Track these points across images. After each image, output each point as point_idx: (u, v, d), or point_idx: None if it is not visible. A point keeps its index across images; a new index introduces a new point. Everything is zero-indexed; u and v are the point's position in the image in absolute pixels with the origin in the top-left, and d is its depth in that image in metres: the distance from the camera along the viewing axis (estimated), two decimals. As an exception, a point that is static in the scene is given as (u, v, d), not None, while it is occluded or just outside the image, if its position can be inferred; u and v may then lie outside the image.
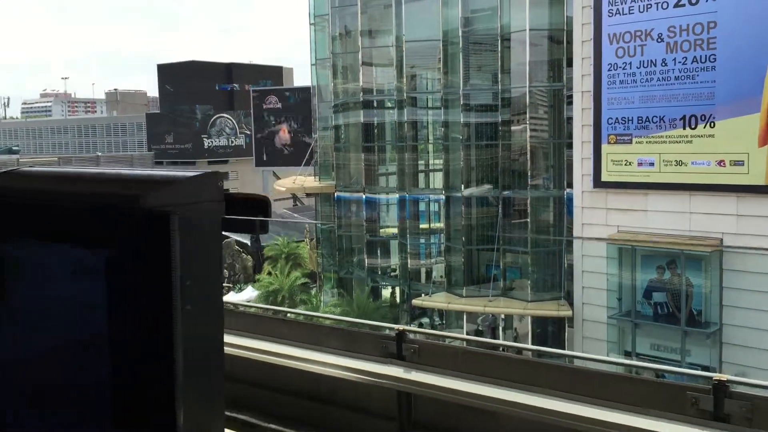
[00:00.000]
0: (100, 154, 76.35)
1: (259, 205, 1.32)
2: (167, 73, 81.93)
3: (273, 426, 5.40)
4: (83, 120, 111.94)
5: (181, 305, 1.21)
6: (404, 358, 4.83)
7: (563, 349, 27.31)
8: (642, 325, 23.15)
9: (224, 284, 49.31)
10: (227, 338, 5.76)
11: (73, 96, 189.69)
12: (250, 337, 5.58)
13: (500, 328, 29.15)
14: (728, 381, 3.92)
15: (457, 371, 4.57)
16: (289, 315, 6.22)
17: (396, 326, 5.00)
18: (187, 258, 1.21)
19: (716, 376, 3.94)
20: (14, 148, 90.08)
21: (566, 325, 26.84)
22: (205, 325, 1.29)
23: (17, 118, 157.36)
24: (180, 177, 1.28)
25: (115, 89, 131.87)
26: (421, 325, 31.87)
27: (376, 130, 33.25)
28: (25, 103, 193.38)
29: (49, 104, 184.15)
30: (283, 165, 63.75)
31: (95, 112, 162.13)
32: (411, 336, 4.93)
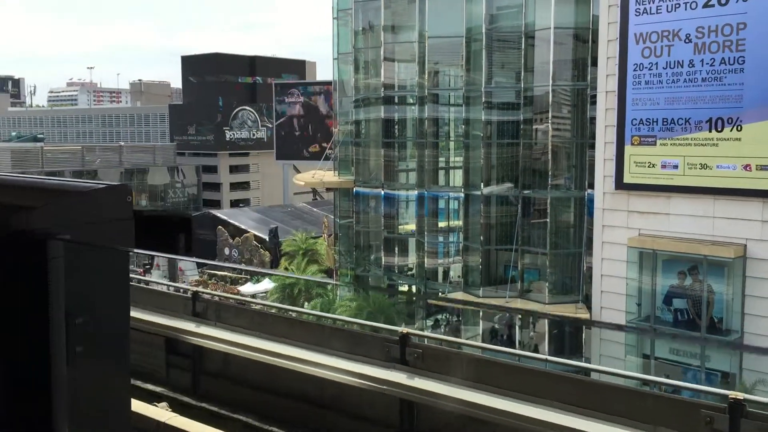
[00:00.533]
0: (122, 143, 77.01)
1: (181, 224, 1.12)
2: (191, 64, 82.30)
3: (274, 429, 5.28)
4: (107, 109, 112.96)
5: (68, 347, 0.96)
6: (407, 363, 4.68)
7: (580, 350, 27.04)
8: (662, 331, 22.77)
9: (242, 276, 49.48)
10: (228, 335, 5.65)
11: (98, 86, 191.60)
12: (253, 336, 5.46)
13: (516, 327, 28.91)
14: (745, 400, 3.71)
15: (462, 378, 4.41)
16: (292, 314, 6.09)
17: (400, 329, 4.84)
18: (79, 291, 0.95)
19: (732, 394, 3.73)
20: (39, 135, 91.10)
21: (583, 326, 26.53)
22: (105, 369, 1.04)
23: (43, 106, 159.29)
24: (72, 189, 1.02)
25: (140, 80, 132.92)
26: (437, 321, 31.71)
27: (396, 126, 33.07)
28: (51, 92, 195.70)
29: (75, 93, 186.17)
30: (302, 159, 63.88)
31: (120, 101, 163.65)
32: (415, 340, 4.78)
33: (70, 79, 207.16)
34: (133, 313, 6.32)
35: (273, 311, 5.94)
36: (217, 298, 6.23)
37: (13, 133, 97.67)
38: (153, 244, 1.13)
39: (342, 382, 4.91)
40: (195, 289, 5.77)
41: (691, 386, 4.94)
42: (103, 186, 1.05)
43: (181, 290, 6.36)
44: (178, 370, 6.17)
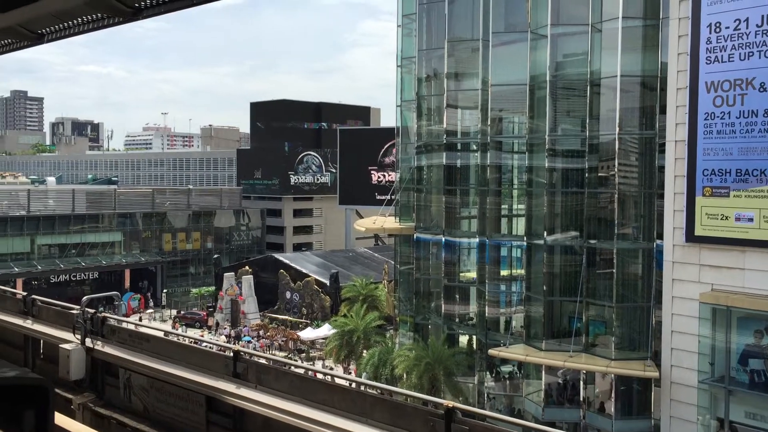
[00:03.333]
0: (191, 186, 79.17)
1: None
2: (259, 110, 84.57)
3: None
4: (178, 153, 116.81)
5: None
6: (453, 441, 4.36)
7: (649, 410, 25.73)
8: (736, 393, 21.48)
9: (302, 320, 49.57)
10: (268, 399, 5.44)
11: (172, 130, 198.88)
12: (293, 401, 5.24)
13: (582, 382, 27.79)
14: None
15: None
16: (331, 379, 5.85)
17: (444, 402, 4.53)
18: None
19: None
20: (113, 178, 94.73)
21: (653, 385, 25.28)
22: None
23: (119, 150, 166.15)
24: None
25: (210, 125, 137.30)
26: (498, 374, 30.81)
27: (458, 173, 32.86)
28: (128, 136, 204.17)
29: (150, 137, 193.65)
30: (366, 204, 64.14)
31: (192, 145, 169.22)
32: (461, 415, 4.46)
33: (146, 124, 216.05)
34: (174, 371, 6.16)
35: (312, 375, 5.73)
36: (257, 359, 6.05)
37: (90, 176, 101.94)
38: None
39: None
40: (236, 348, 5.61)
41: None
42: None
43: (222, 349, 6.21)
44: (219, 429, 5.98)
